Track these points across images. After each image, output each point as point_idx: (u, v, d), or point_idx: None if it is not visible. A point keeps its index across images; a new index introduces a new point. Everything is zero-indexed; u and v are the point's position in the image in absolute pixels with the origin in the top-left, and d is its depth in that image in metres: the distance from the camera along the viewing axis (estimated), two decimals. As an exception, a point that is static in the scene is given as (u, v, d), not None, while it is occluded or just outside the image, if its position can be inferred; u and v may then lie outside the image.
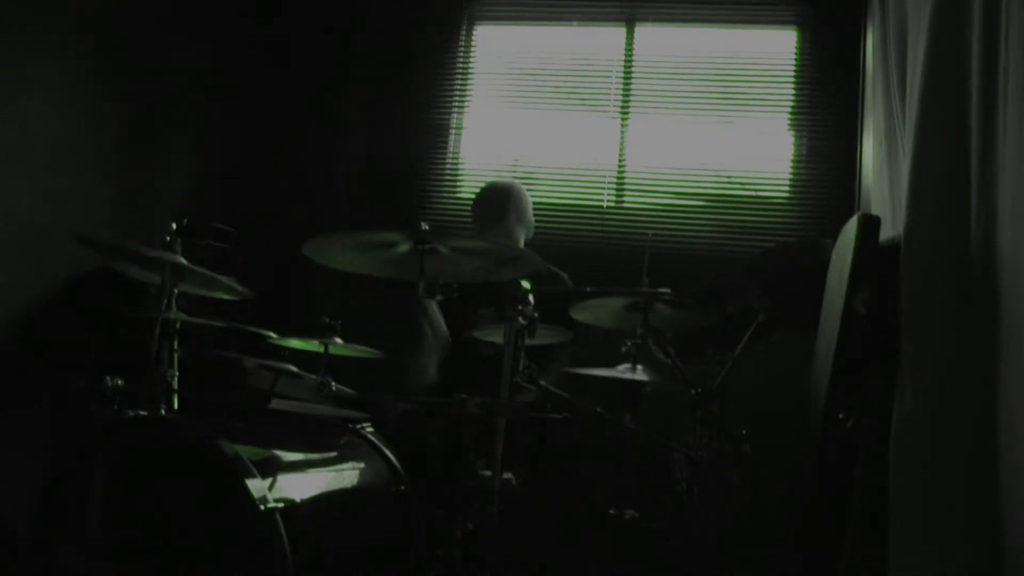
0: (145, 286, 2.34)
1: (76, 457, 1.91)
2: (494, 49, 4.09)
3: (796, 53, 3.82)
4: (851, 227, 2.04)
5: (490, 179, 3.62)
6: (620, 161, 3.86)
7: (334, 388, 2.16)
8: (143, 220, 3.30)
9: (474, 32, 4.08)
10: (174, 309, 2.13)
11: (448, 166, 3.98)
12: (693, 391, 2.41)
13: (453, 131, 4.00)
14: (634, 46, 3.94)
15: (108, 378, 1.92)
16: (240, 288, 2.27)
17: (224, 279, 2.21)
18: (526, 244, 3.25)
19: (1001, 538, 1.54)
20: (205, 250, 2.40)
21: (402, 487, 2.25)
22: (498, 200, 3.26)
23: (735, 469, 2.38)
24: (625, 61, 3.93)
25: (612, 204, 3.83)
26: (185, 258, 2.15)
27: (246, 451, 1.87)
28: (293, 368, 2.34)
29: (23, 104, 2.80)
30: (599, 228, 3.78)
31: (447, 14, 4.04)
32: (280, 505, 1.80)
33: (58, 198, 2.93)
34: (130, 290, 2.50)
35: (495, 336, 2.30)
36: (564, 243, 3.68)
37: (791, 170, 3.75)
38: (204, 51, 3.66)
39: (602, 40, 4.00)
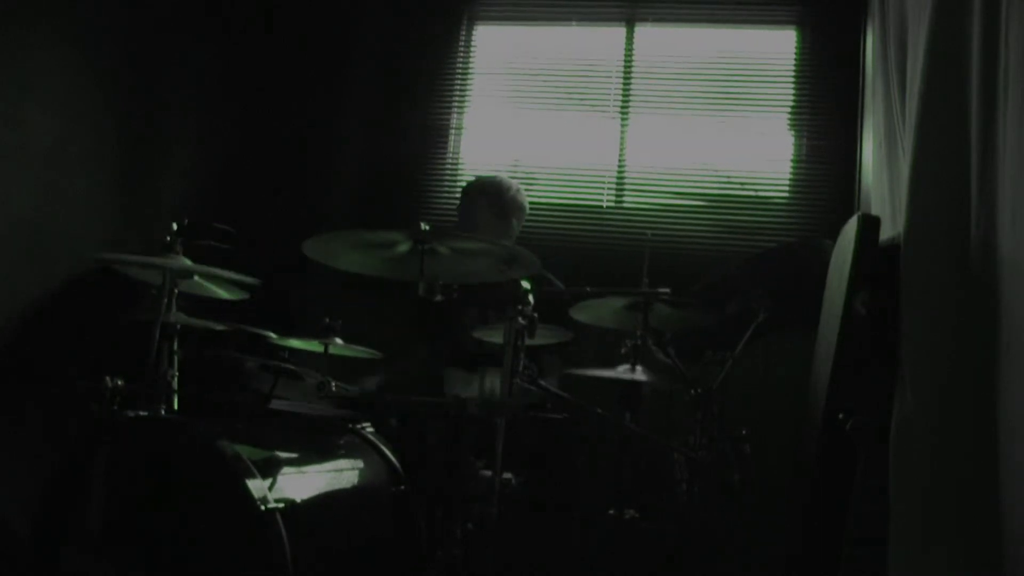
0: (145, 286, 2.34)
1: (76, 457, 1.91)
2: (494, 49, 4.09)
3: (796, 53, 3.81)
4: (851, 227, 2.04)
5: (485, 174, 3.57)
6: (620, 161, 3.85)
7: (334, 388, 2.16)
8: (143, 219, 3.30)
9: (474, 32, 4.08)
10: (174, 310, 2.13)
11: (448, 166, 3.98)
12: (693, 391, 2.41)
13: (453, 131, 4.00)
14: (634, 46, 3.93)
15: (108, 378, 1.92)
16: (246, 280, 2.26)
17: (229, 274, 2.21)
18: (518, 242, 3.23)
19: (1001, 538, 1.54)
20: (205, 250, 2.40)
21: (402, 487, 2.25)
22: (469, 200, 3.20)
23: (735, 469, 2.38)
24: (625, 61, 3.92)
25: (612, 204, 3.83)
26: (186, 258, 2.16)
27: (246, 451, 1.87)
28: (293, 368, 2.34)
29: (23, 104, 2.79)
30: (599, 228, 3.78)
31: (447, 14, 4.04)
32: (280, 505, 1.80)
33: (58, 198, 2.93)
34: (130, 290, 2.50)
35: (495, 336, 2.29)
36: (564, 243, 3.68)
37: (791, 170, 3.75)
38: (204, 51, 3.66)
39: (602, 40, 3.99)
